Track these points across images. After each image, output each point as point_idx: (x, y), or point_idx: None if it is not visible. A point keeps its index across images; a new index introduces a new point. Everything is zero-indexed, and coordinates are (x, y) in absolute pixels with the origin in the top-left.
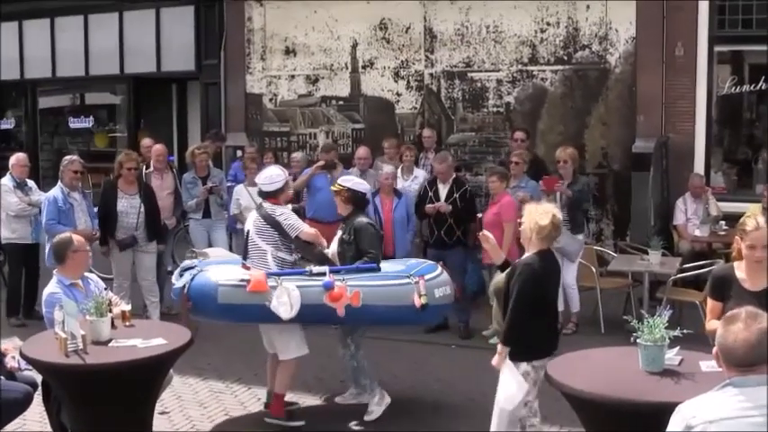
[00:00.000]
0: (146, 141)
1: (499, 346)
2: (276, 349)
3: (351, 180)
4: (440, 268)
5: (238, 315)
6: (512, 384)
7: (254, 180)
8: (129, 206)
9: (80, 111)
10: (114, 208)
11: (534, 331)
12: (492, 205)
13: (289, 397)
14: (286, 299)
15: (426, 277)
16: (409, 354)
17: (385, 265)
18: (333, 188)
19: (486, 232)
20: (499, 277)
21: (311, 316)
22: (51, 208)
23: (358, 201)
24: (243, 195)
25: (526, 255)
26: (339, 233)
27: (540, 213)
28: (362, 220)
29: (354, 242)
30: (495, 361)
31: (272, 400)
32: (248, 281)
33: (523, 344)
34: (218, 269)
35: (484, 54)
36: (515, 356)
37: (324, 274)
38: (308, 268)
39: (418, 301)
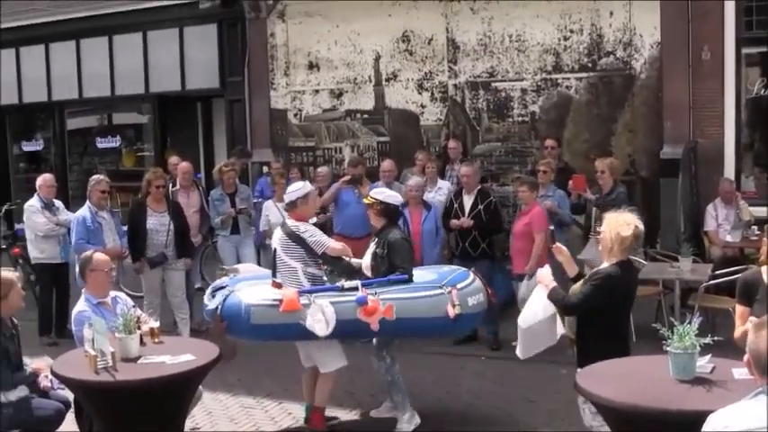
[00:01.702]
0: (173, 159)
1: (550, 286)
2: (316, 363)
3: (383, 192)
4: (472, 275)
5: (272, 334)
6: (538, 304)
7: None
8: (158, 224)
9: (107, 131)
10: (144, 226)
11: (601, 342)
12: (522, 215)
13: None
14: (321, 316)
15: (459, 286)
16: (439, 365)
17: (417, 274)
18: (365, 201)
19: (559, 245)
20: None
21: (346, 331)
22: (80, 228)
23: (390, 213)
24: (272, 211)
25: (606, 265)
26: (372, 246)
27: (622, 224)
28: (396, 234)
29: (387, 256)
30: (540, 276)
31: (312, 413)
32: (281, 301)
33: (589, 353)
34: (249, 289)
35: (507, 63)
36: (580, 361)
37: (356, 288)
38: (339, 284)
39: (452, 312)
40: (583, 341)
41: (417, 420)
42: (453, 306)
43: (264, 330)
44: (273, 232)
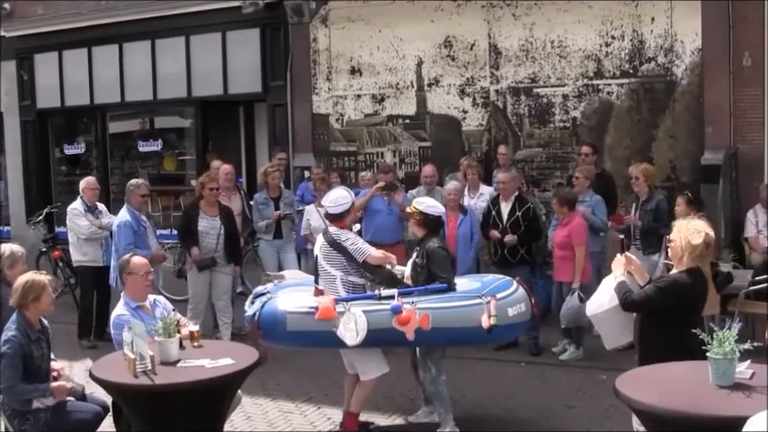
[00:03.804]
0: (215, 163)
1: (618, 279)
2: (357, 370)
3: (424, 203)
4: (515, 284)
5: (308, 341)
6: (605, 294)
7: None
8: (209, 227)
9: (149, 135)
10: (195, 227)
11: (661, 347)
12: (562, 227)
13: (362, 417)
14: (352, 325)
15: (499, 296)
16: (479, 370)
17: (460, 282)
18: (408, 209)
19: (628, 254)
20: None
21: (381, 339)
22: (127, 232)
23: (431, 224)
24: (313, 216)
25: (674, 271)
26: (413, 256)
27: (692, 232)
28: (434, 243)
29: (426, 266)
30: (614, 265)
31: (346, 417)
32: (317, 308)
33: (650, 356)
34: (287, 297)
35: (549, 69)
36: (641, 363)
37: (392, 297)
38: (376, 292)
39: (486, 322)
40: (644, 343)
41: None
42: (489, 317)
43: (300, 337)
44: (315, 237)
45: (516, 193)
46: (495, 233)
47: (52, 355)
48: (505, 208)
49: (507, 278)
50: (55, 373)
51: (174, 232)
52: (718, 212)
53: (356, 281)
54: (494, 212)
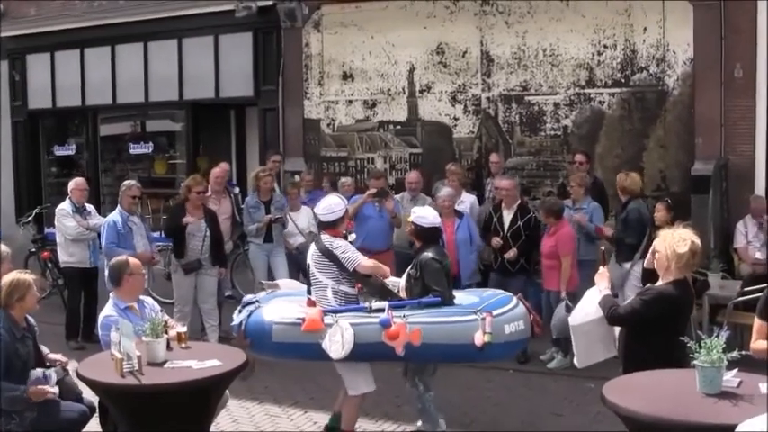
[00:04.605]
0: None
1: (603, 293)
2: (345, 383)
3: (416, 213)
4: (515, 300)
5: (294, 352)
6: (590, 305)
7: (298, 205)
8: (195, 229)
9: (140, 137)
10: (182, 230)
11: (647, 357)
12: (549, 236)
13: None
14: (338, 338)
15: (496, 312)
16: (466, 378)
17: (459, 296)
18: (407, 220)
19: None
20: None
21: (369, 354)
22: (111, 232)
23: (425, 234)
24: (288, 221)
25: (660, 282)
26: (409, 267)
27: (678, 240)
28: (428, 254)
29: (420, 278)
30: (597, 278)
31: None
32: (303, 319)
33: (635, 366)
34: (274, 306)
35: (541, 77)
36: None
37: (383, 310)
38: (366, 304)
39: (480, 340)
40: (629, 354)
41: None
42: (483, 334)
43: (286, 348)
44: (289, 242)
45: (519, 202)
46: (497, 240)
47: (46, 349)
48: (507, 216)
49: (507, 294)
50: (58, 365)
51: (164, 235)
52: (707, 223)
53: (348, 291)
54: (495, 219)
